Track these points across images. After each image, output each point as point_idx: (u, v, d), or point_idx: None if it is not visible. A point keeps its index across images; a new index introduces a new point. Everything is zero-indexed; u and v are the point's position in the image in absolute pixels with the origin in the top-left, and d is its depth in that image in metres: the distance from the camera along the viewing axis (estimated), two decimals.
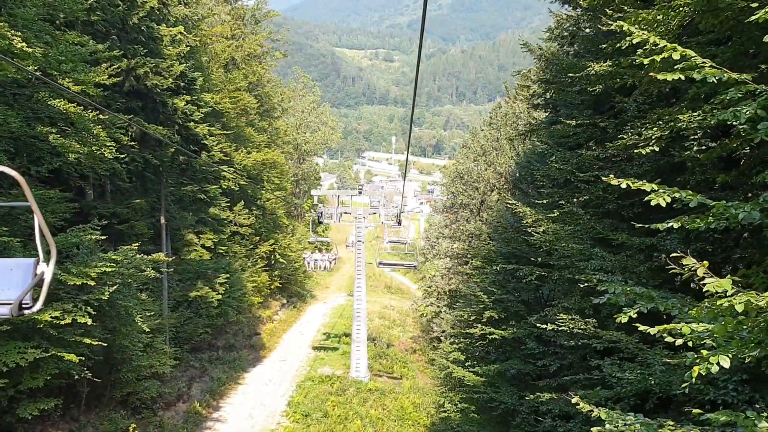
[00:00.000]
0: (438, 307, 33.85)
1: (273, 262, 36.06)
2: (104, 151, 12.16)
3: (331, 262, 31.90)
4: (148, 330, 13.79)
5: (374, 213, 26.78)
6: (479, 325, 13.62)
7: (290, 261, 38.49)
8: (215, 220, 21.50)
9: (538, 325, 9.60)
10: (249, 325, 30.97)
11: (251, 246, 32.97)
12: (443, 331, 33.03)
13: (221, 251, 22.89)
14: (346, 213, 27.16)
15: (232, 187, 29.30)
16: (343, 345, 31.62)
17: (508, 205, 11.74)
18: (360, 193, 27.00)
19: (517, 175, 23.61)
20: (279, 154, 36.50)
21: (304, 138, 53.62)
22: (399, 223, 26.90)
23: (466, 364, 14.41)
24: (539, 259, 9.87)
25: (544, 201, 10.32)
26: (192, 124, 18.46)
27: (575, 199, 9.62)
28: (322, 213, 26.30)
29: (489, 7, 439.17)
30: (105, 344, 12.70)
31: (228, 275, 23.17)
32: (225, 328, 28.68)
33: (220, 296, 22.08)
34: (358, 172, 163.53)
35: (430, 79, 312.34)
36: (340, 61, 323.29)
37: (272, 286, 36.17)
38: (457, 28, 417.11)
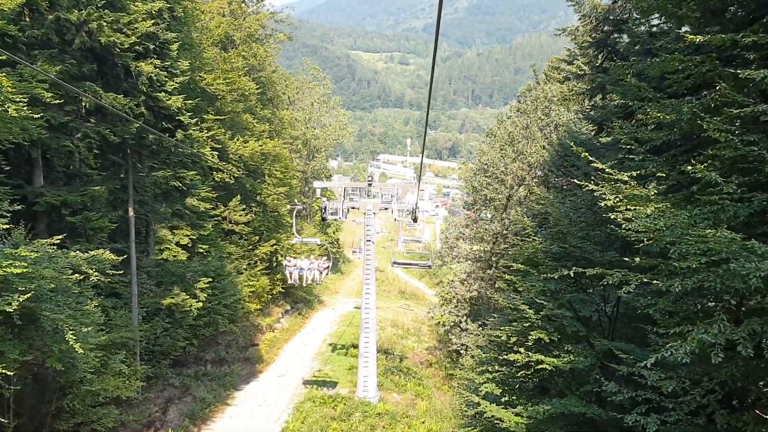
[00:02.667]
0: (457, 316, 30.28)
1: (275, 264, 32.71)
2: (8, 107, 8.89)
3: (322, 272, 24.02)
4: (81, 351, 10.42)
5: (386, 208, 23.26)
6: (522, 350, 10.08)
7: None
8: (194, 212, 18.16)
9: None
10: (245, 335, 27.62)
11: (249, 246, 29.73)
12: (462, 344, 29.48)
13: (201, 250, 19.53)
14: (353, 208, 23.66)
15: (227, 179, 26.12)
16: (350, 358, 28.21)
17: (576, 183, 8.21)
18: (370, 185, 23.38)
19: (553, 163, 20.03)
20: (282, 145, 33.19)
21: (313, 133, 50.33)
22: (415, 219, 23.30)
23: (503, 399, 10.85)
24: (636, 259, 6.32)
25: (635, 173, 6.72)
26: (162, 94, 15.15)
27: (689, 167, 6.05)
28: (326, 208, 22.81)
29: (506, 10, 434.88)
30: (12, 372, 9.36)
31: (211, 279, 19.83)
32: (216, 339, 25.39)
33: (200, 304, 18.71)
34: (373, 174, 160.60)
35: (446, 82, 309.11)
36: (356, 63, 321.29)
37: (274, 291, 32.86)
38: (473, 32, 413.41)
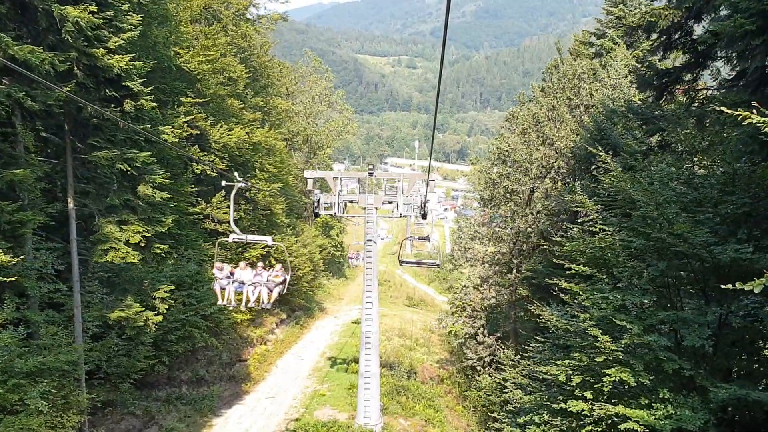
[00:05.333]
0: (472, 327, 26.78)
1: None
2: None
3: (273, 290, 14.06)
4: None
5: (390, 202, 19.88)
6: (589, 395, 6.62)
7: (292, 268, 31.73)
8: (149, 204, 14.80)
9: None
10: (230, 350, 24.21)
11: (238, 249, 26.36)
12: (479, 359, 25.98)
13: (159, 251, 16.13)
14: (352, 202, 20.29)
15: (208, 171, 22.85)
16: (351, 374, 24.78)
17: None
18: (371, 175, 20.01)
19: (588, 146, 16.58)
20: (276, 136, 29.83)
21: (314, 129, 47.00)
22: (424, 216, 19.86)
23: None
24: None
25: None
26: (100, 51, 11.86)
27: None
28: (319, 201, 19.44)
29: (513, 14, 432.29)
30: None
31: (175, 287, 16.50)
32: (195, 355, 22.03)
33: (160, 317, 15.33)
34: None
35: (454, 86, 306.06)
36: (363, 67, 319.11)
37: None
38: (481, 35, 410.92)
